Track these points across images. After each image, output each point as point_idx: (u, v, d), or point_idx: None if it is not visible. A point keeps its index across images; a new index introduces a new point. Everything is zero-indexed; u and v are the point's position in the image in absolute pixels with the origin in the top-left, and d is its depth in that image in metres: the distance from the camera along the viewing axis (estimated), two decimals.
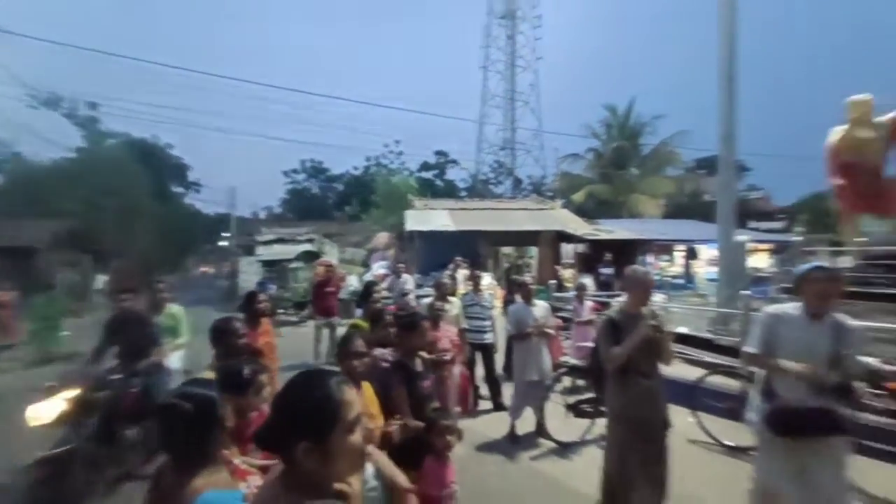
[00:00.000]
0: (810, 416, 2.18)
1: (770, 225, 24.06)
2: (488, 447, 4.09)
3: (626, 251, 15.59)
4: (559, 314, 6.78)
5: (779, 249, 14.47)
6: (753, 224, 23.25)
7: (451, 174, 42.74)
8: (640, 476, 2.40)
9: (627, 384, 2.54)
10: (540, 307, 4.31)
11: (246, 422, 1.78)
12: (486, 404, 4.99)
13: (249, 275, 15.11)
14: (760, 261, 14.30)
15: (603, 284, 10.78)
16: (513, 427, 4.18)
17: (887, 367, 3.55)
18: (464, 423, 4.11)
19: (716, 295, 7.58)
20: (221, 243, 34.17)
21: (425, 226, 14.56)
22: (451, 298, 4.48)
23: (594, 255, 14.37)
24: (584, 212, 23.05)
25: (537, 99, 39.58)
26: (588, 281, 9.47)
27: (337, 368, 2.07)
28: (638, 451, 2.48)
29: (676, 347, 6.04)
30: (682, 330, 6.46)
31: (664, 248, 17.27)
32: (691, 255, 17.28)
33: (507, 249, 18.52)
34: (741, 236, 7.51)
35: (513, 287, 5.37)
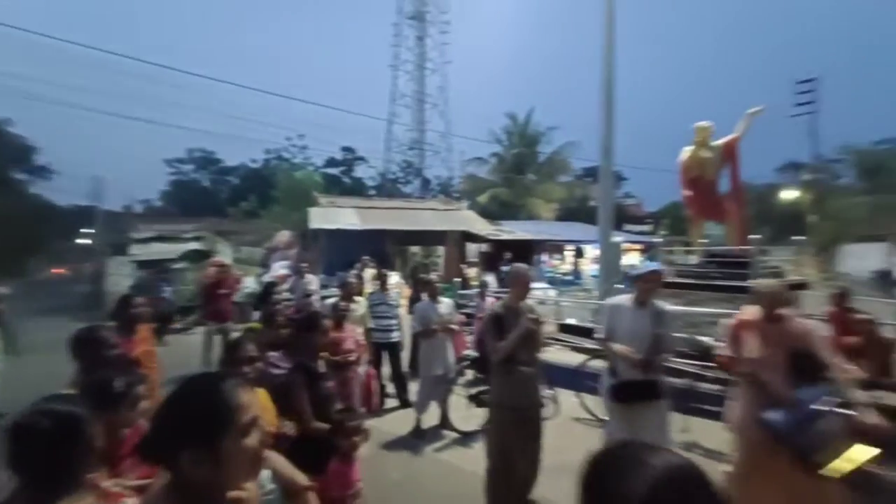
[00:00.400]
0: (638, 387, 2.72)
1: (641, 228, 27.78)
2: (394, 444, 4.15)
3: (524, 251, 16.80)
4: (463, 311, 7.10)
5: (647, 249, 16.85)
6: (628, 227, 26.72)
7: (360, 172, 41.87)
8: (518, 453, 2.64)
9: (510, 373, 2.74)
10: (445, 304, 4.48)
11: (118, 440, 1.60)
12: (392, 402, 5.04)
13: (120, 277, 13.09)
14: (633, 258, 16.52)
15: (504, 282, 11.51)
16: (418, 422, 4.29)
17: (718, 344, 4.36)
18: (370, 423, 4.13)
19: (597, 289, 8.61)
20: (82, 241, 29.03)
21: (331, 224, 14.09)
22: (356, 298, 4.44)
23: (496, 254, 15.26)
24: (487, 213, 24.25)
25: (445, 102, 40.61)
26: (490, 278, 10.03)
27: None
28: (516, 431, 2.70)
29: (565, 336, 6.78)
30: (571, 321, 7.22)
31: (556, 247, 18.97)
32: (579, 254, 19.27)
33: (414, 248, 18.74)
34: (617, 237, 8.59)
35: (419, 285, 5.49)
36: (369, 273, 6.89)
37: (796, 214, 24.82)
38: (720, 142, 6.00)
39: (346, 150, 41.06)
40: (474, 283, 9.52)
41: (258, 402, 1.92)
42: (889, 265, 13.97)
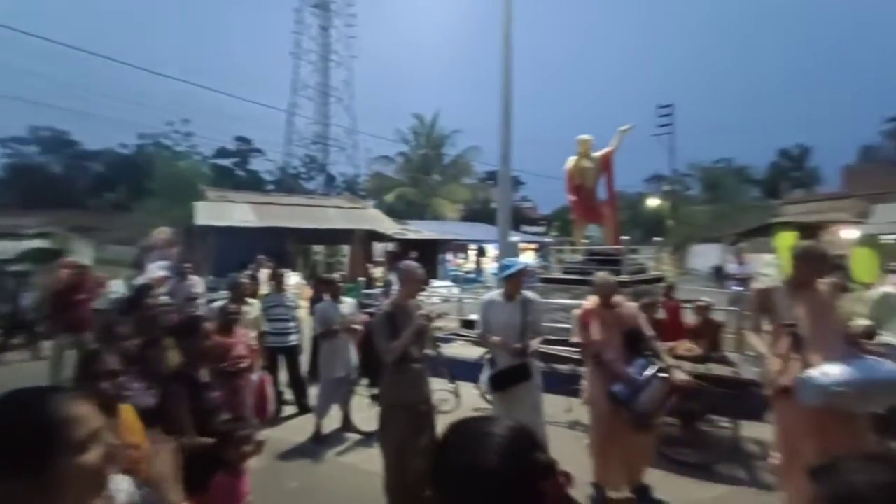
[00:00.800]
0: (512, 373, 2.99)
1: (536, 229, 30.12)
2: (293, 452, 3.95)
3: (429, 250, 17.13)
4: (368, 310, 7.02)
5: (540, 248, 18.34)
6: (524, 228, 28.81)
7: (256, 164, 38.70)
8: (412, 449, 2.68)
9: (402, 371, 2.75)
10: (347, 304, 4.39)
11: None
12: (291, 409, 4.79)
13: None
14: (528, 258, 17.86)
15: None
16: (318, 427, 4.13)
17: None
18: (264, 433, 3.88)
19: (496, 286, 9.12)
20: None
21: (222, 220, 12.84)
22: (249, 300, 4.13)
23: (403, 254, 15.31)
24: (394, 212, 24.22)
25: (351, 97, 39.55)
26: (395, 278, 10.03)
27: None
28: (410, 428, 2.72)
29: (467, 332, 7.08)
30: (474, 317, 7.57)
31: (461, 247, 19.70)
32: (481, 253, 20.24)
33: (318, 248, 17.96)
34: (514, 238, 9.20)
35: (320, 286, 5.29)
36: (265, 273, 6.44)
37: (659, 219, 29.13)
38: (598, 154, 6.79)
39: (241, 140, 37.71)
40: (381, 282, 9.44)
41: (123, 425, 1.69)
42: (722, 262, 17.13)
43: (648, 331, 3.07)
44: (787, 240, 14.79)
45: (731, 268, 9.03)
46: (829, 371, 2.33)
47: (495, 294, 3.21)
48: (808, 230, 15.13)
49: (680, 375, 2.82)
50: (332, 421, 4.28)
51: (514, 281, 3.09)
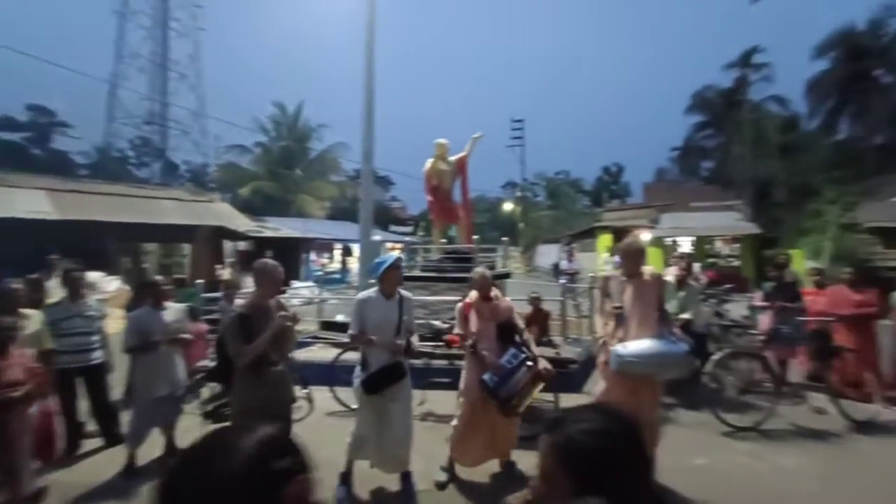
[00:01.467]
0: (387, 373, 2.99)
1: (404, 229, 30.67)
2: (95, 494, 3.25)
3: (290, 249, 16.02)
4: (209, 316, 6.21)
5: (405, 248, 18.71)
6: (393, 228, 29.08)
7: (63, 143, 31.06)
8: None
9: (259, 375, 2.60)
10: (172, 310, 3.79)
11: None
12: (97, 442, 3.96)
13: None
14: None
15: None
16: (131, 458, 3.46)
17: (447, 326, 5.23)
18: (53, 477, 3.13)
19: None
20: None
21: None
22: (27, 311, 3.25)
23: (258, 253, 14.00)
24: (251, 208, 21.99)
25: (198, 75, 34.64)
26: (250, 279, 9.10)
27: None
28: None
29: (326, 334, 6.81)
30: (340, 318, 7.32)
31: (325, 246, 18.92)
32: (347, 252, 19.75)
33: (151, 246, 15.26)
34: (376, 236, 9.18)
35: (141, 290, 4.48)
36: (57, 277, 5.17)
37: (513, 222, 32.45)
38: (454, 158, 7.23)
39: (37, 109, 29.81)
40: (225, 285, 8.42)
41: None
42: (559, 260, 19.93)
43: (520, 323, 3.35)
44: (604, 241, 17.98)
45: (563, 265, 10.55)
46: (630, 346, 2.91)
47: (371, 292, 3.12)
48: (620, 233, 18.65)
49: (544, 364, 3.12)
50: (154, 448, 3.66)
51: (389, 276, 3.04)
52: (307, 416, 4.66)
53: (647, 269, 3.19)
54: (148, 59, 31.94)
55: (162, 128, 33.05)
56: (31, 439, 3.02)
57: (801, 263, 11.00)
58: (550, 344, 4.83)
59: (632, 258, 3.13)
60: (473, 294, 3.30)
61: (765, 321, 5.34)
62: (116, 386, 4.33)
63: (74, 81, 32.30)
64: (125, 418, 3.93)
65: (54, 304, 3.80)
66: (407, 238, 23.23)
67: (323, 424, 4.49)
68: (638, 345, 2.91)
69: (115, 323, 5.33)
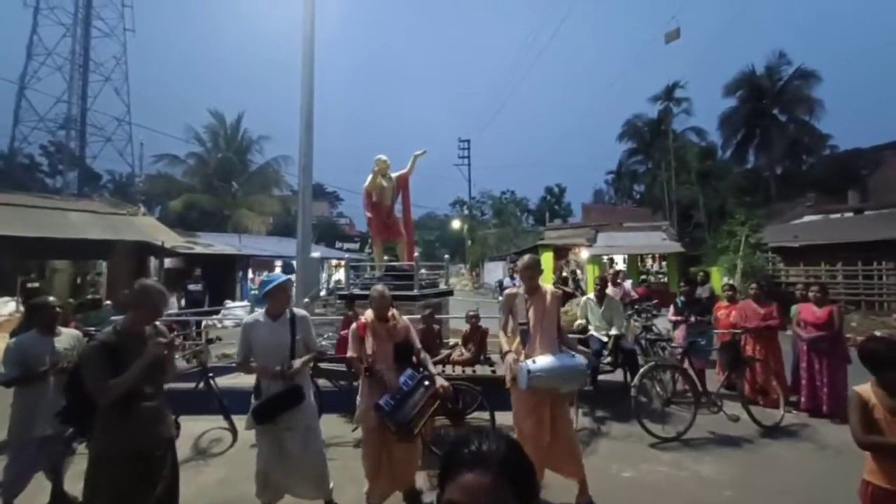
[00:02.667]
0: (280, 400, 2.79)
1: (352, 246, 30.01)
2: None
3: (225, 266, 15.04)
4: None
5: (347, 265, 18.22)
6: (340, 244, 28.35)
7: None
8: (141, 502, 2.22)
9: (129, 413, 2.22)
10: (66, 336, 3.34)
11: None
12: None
13: None
14: (340, 274, 17.54)
15: (192, 302, 9.86)
16: None
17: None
18: None
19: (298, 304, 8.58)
20: None
21: None
22: None
23: (188, 271, 12.99)
24: (185, 222, 20.51)
25: (125, 78, 32.23)
26: (172, 299, 8.37)
27: None
28: (141, 478, 2.23)
29: None
30: None
31: (265, 263, 17.95)
32: (288, 269, 18.86)
33: (61, 264, 13.68)
34: (315, 253, 8.84)
35: (29, 312, 3.92)
36: None
37: (460, 239, 32.85)
38: (395, 174, 7.18)
39: None
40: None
41: None
42: (504, 277, 20.38)
43: (417, 343, 3.23)
44: (547, 258, 18.50)
45: (507, 282, 10.76)
46: (538, 361, 2.94)
47: (258, 314, 2.95)
48: (561, 251, 19.46)
49: (441, 382, 3.04)
50: (35, 497, 3.16)
51: (276, 296, 2.89)
52: (229, 448, 4.28)
53: (546, 286, 3.29)
54: (66, 59, 29.25)
55: (80, 133, 30.19)
56: None
57: (718, 280, 12.03)
58: (488, 361, 4.82)
59: (528, 273, 3.20)
60: (369, 314, 3.13)
61: (679, 334, 5.72)
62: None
63: None
64: (1, 464, 3.37)
65: None
66: (348, 255, 22.66)
67: (246, 456, 4.10)
68: (545, 360, 2.96)
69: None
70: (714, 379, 5.29)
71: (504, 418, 4.46)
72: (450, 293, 7.87)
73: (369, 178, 6.97)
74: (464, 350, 4.78)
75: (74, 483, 3.23)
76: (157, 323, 2.48)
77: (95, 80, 30.59)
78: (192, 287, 9.99)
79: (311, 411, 2.98)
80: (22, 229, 10.63)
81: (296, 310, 2.99)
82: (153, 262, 14.35)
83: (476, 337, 4.92)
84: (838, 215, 15.80)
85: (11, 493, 3.06)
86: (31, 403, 3.13)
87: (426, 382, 2.95)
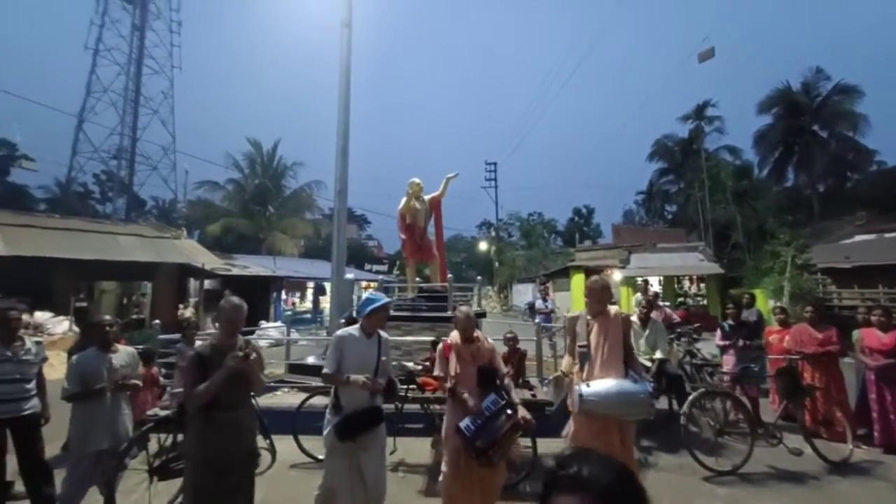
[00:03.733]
0: (363, 417, 2.79)
1: (380, 268, 30.39)
2: None
3: (260, 288, 15.47)
4: (165, 359, 5.79)
5: (380, 287, 18.40)
6: (369, 266, 28.75)
7: (23, 177, 29.78)
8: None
9: (210, 421, 2.39)
10: (122, 354, 3.49)
11: None
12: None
13: None
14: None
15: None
16: None
17: (420, 368, 5.03)
18: None
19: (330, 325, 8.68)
20: None
21: None
22: None
23: (223, 292, 13.46)
24: (222, 245, 21.36)
25: (171, 111, 34.43)
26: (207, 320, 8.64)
27: None
28: (217, 488, 2.35)
29: (293, 378, 6.44)
30: (311, 360, 6.96)
31: (298, 285, 18.38)
32: (320, 291, 19.22)
33: (109, 285, 14.44)
34: (349, 275, 8.98)
35: (87, 330, 4.14)
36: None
37: (488, 261, 32.71)
38: (428, 197, 7.29)
39: None
40: (185, 324, 7.96)
41: None
42: (534, 299, 20.04)
43: (502, 367, 3.16)
44: (578, 280, 18.17)
45: (539, 304, 10.55)
46: (593, 385, 2.84)
47: (352, 329, 2.96)
48: (593, 273, 19.05)
49: (524, 413, 2.94)
50: None
51: (376, 316, 2.92)
52: (269, 469, 4.29)
53: (612, 309, 3.18)
54: (120, 95, 31.64)
55: (129, 162, 32.28)
56: None
57: (763, 303, 11.42)
58: (527, 385, 4.70)
59: (596, 296, 3.11)
60: (455, 335, 3.13)
61: (728, 360, 5.42)
62: (52, 440, 3.89)
63: (43, 115, 31.48)
64: (59, 477, 3.50)
65: None
66: (381, 276, 22.91)
67: (286, 477, 4.14)
68: (600, 384, 2.84)
69: (56, 368, 4.88)
70: (768, 409, 4.97)
71: (547, 445, 4.32)
72: (483, 315, 7.79)
73: (403, 200, 7.09)
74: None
75: (125, 497, 3.33)
76: (248, 338, 2.61)
77: (145, 114, 32.85)
78: None
79: (384, 434, 2.98)
80: (77, 252, 11.34)
81: (381, 332, 3.01)
82: (193, 283, 14.96)
83: (514, 359, 4.82)
84: (895, 234, 14.82)
85: None
86: (89, 418, 3.26)
87: (509, 411, 2.85)
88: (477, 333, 3.11)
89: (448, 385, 2.97)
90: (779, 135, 24.22)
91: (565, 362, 3.20)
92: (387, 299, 3.07)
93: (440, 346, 3.16)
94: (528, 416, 2.95)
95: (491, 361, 3.09)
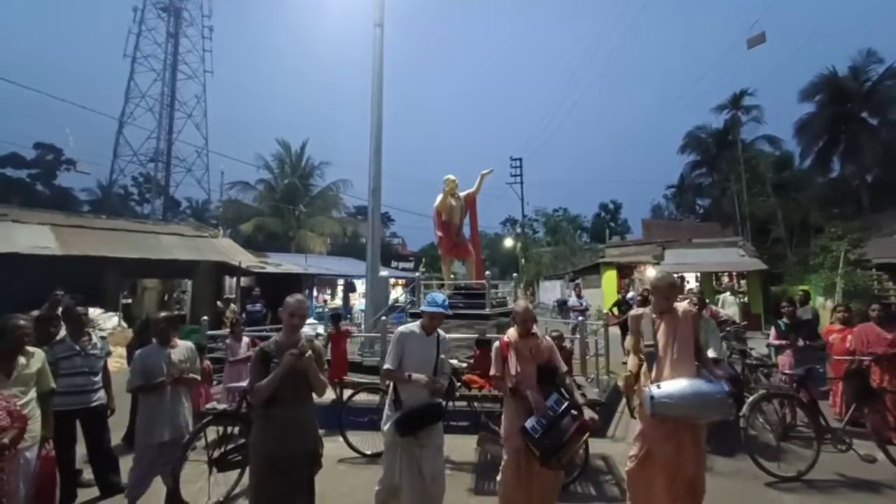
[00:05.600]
0: (423, 413, 2.79)
1: (405, 265, 30.55)
2: None
3: (292, 285, 15.77)
4: (212, 355, 5.97)
5: (408, 284, 18.50)
6: (394, 263, 28.96)
7: (69, 180, 31.36)
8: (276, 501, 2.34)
9: (270, 417, 2.43)
10: (181, 349, 3.60)
11: None
12: (90, 491, 3.66)
13: None
14: (398, 293, 17.84)
15: (252, 321, 10.26)
16: None
17: (464, 365, 5.01)
18: None
19: (364, 322, 8.77)
20: None
21: (0, 245, 9.83)
22: (30, 349, 3.06)
23: (261, 289, 13.78)
24: (253, 244, 21.93)
25: (204, 114, 35.57)
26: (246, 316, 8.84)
27: None
28: (277, 484, 2.38)
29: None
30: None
31: (328, 282, 18.69)
32: (350, 288, 19.49)
33: (150, 282, 15.06)
34: (383, 272, 9.05)
35: (145, 326, 4.30)
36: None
37: (513, 257, 32.44)
38: (463, 193, 7.24)
39: (44, 147, 30.30)
40: (230, 321, 8.19)
41: None
42: (563, 296, 19.74)
43: (562, 365, 3.09)
44: (609, 277, 17.79)
45: (572, 301, 10.37)
46: (664, 386, 2.72)
47: (413, 326, 2.99)
48: (625, 269, 18.60)
49: (590, 414, 2.89)
50: (154, 499, 3.37)
51: (439, 317, 2.95)
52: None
53: (680, 306, 3.04)
54: (156, 100, 32.91)
55: (166, 165, 33.57)
56: (30, 488, 2.77)
57: (813, 301, 10.87)
58: (575, 384, 4.59)
59: (662, 293, 2.97)
60: (511, 332, 3.05)
61: (785, 360, 5.15)
62: (115, 430, 4.07)
63: (86, 120, 33.07)
64: (125, 466, 3.65)
65: (55, 342, 3.60)
66: (409, 274, 23.05)
67: (335, 472, 4.19)
68: (673, 385, 2.70)
69: (113, 362, 5.05)
70: (829, 412, 4.70)
71: (595, 446, 4.22)
72: None
73: (439, 197, 7.07)
74: None
75: (187, 487, 3.43)
76: (312, 338, 2.64)
77: (179, 117, 34.11)
78: (250, 307, 10.19)
79: (441, 432, 2.98)
80: (123, 251, 11.85)
81: (440, 331, 3.02)
82: (229, 280, 15.42)
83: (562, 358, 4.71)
84: None
85: (135, 495, 3.29)
86: (152, 411, 3.37)
87: (573, 412, 2.77)
88: (535, 329, 3.02)
89: (509, 384, 2.89)
90: (823, 123, 22.92)
91: (631, 362, 3.08)
92: (444, 299, 3.04)
93: (496, 344, 3.09)
94: (595, 416, 2.88)
95: (550, 360, 3.00)
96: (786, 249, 17.44)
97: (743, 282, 16.34)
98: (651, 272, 16.88)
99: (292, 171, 25.65)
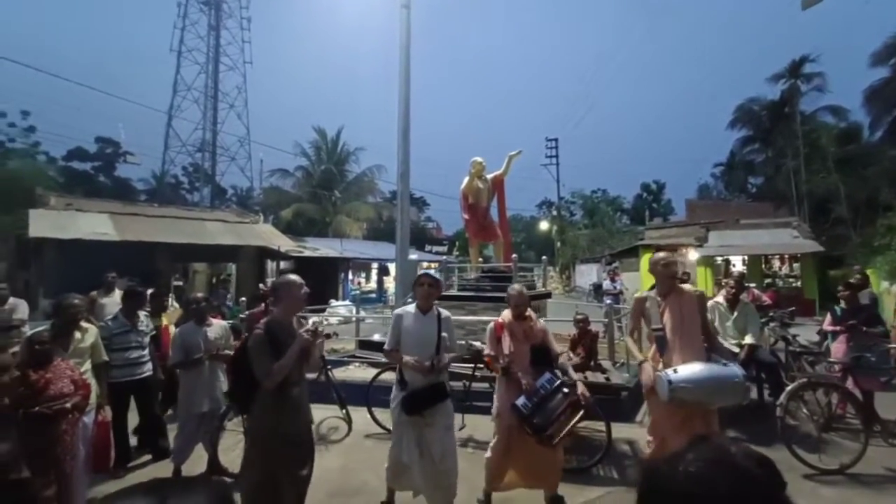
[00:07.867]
0: (427, 394, 2.83)
1: (439, 248, 30.73)
2: None
3: (330, 268, 16.34)
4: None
5: (442, 267, 18.63)
6: (429, 247, 29.22)
7: (127, 171, 33.53)
8: (287, 485, 2.40)
9: (280, 396, 2.41)
10: (216, 327, 3.84)
11: None
12: (145, 455, 4.03)
13: None
14: None
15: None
16: (177, 472, 3.50)
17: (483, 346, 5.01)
18: (104, 488, 3.16)
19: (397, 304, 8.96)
20: None
21: (66, 232, 10.74)
22: (84, 325, 3.38)
23: (298, 272, 14.36)
24: (292, 229, 22.75)
25: (245, 104, 36.79)
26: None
27: None
28: (286, 460, 2.42)
29: (363, 353, 6.76)
30: (376, 337, 7.29)
31: (363, 265, 19.17)
32: (384, 271, 19.90)
33: (199, 266, 16.04)
34: (413, 255, 9.14)
35: (188, 306, 4.60)
36: (119, 294, 5.44)
37: (549, 240, 31.84)
38: (490, 176, 7.14)
39: (104, 141, 32.47)
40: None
41: None
42: (599, 280, 19.23)
43: (555, 347, 3.14)
44: (648, 260, 17.14)
45: (606, 285, 10.10)
46: (681, 371, 2.64)
47: (409, 307, 3.04)
48: (665, 252, 17.80)
49: (582, 389, 2.88)
50: (197, 464, 3.66)
51: (419, 290, 2.95)
52: (345, 438, 4.56)
53: (685, 287, 2.98)
54: (201, 92, 34.38)
55: (212, 154, 35.20)
56: (88, 450, 3.09)
57: (876, 284, 10.00)
58: (599, 368, 4.52)
59: (663, 275, 2.89)
60: (506, 313, 3.11)
61: (838, 348, 4.79)
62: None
63: (139, 114, 35.17)
64: (172, 433, 3.98)
65: (112, 320, 3.94)
66: (443, 257, 23.20)
67: (362, 446, 4.37)
68: (689, 369, 2.62)
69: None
70: (888, 404, 4.35)
71: (621, 431, 4.15)
72: (548, 295, 7.60)
73: (466, 180, 7.01)
74: (572, 355, 4.54)
75: (225, 454, 3.70)
76: (305, 316, 2.73)
77: (222, 108, 35.49)
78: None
79: (450, 411, 3.00)
80: (174, 236, 12.65)
81: (442, 310, 3.03)
82: (270, 264, 16.14)
83: (586, 341, 4.64)
84: None
85: (180, 460, 3.60)
86: (191, 384, 3.65)
87: (565, 389, 2.81)
88: (529, 312, 3.07)
89: (501, 363, 2.96)
90: None
91: (632, 346, 3.03)
92: (427, 272, 3.12)
93: (490, 325, 3.14)
94: (586, 392, 2.87)
95: (544, 342, 3.06)
96: (849, 230, 16.03)
97: (796, 265, 15.25)
98: (693, 255, 16.09)
99: (328, 158, 26.22)
